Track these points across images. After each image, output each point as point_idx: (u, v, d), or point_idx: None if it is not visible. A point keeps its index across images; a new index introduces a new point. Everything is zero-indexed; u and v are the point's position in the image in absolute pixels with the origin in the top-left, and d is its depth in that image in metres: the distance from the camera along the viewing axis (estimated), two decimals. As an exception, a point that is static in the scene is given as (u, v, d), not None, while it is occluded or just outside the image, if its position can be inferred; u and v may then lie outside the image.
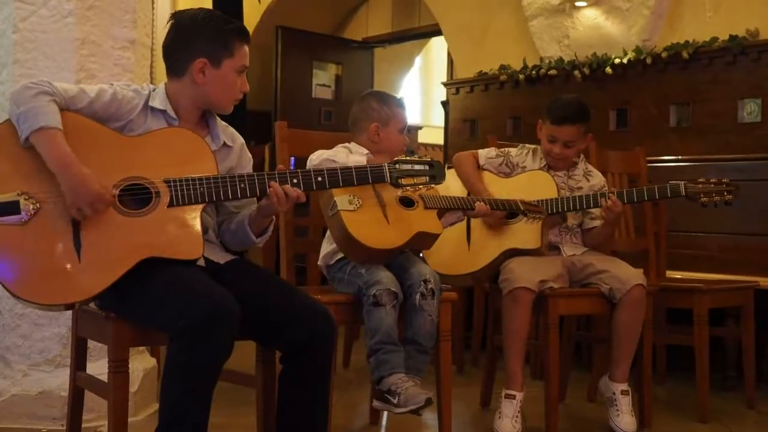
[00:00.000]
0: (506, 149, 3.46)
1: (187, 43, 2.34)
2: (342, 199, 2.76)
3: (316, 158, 2.78)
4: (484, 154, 3.43)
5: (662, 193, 3.18)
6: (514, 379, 3.12)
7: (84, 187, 2.11)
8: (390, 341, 2.63)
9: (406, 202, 2.87)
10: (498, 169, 3.41)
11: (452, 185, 3.36)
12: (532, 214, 3.08)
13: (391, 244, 2.77)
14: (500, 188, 3.35)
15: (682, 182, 3.15)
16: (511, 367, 3.13)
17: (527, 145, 3.48)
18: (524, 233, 3.17)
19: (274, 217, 2.42)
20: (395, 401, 2.57)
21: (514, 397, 3.11)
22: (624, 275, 3.17)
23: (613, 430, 3.15)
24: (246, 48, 2.39)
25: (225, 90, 2.37)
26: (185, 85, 2.36)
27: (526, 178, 3.36)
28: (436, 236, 2.86)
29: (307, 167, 2.74)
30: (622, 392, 3.17)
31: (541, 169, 3.38)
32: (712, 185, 3.13)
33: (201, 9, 2.45)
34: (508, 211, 3.11)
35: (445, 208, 2.97)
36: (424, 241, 2.88)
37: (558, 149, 3.34)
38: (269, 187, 2.26)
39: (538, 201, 3.19)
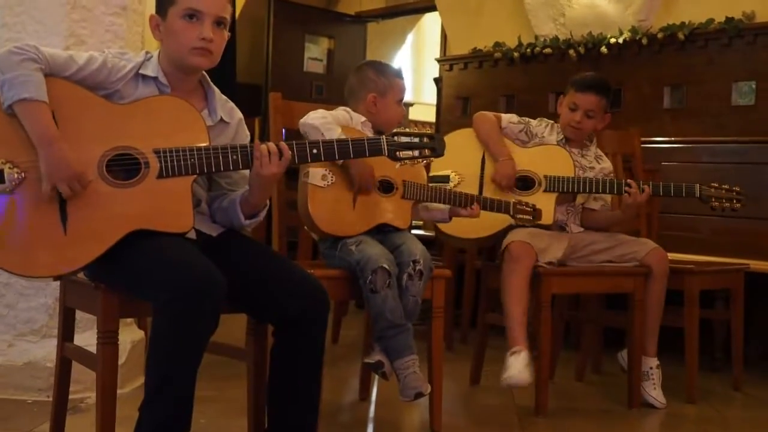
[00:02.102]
0: (526, 118, 3.44)
1: (155, 5, 2.29)
2: (316, 172, 2.73)
3: (315, 121, 2.71)
4: (507, 117, 3.41)
5: (678, 191, 3.25)
6: (518, 339, 3.06)
7: (61, 166, 2.05)
8: (393, 324, 2.64)
9: (386, 187, 2.83)
10: (516, 136, 3.39)
11: (466, 147, 3.33)
12: (521, 217, 3.00)
13: (344, 231, 2.75)
14: (519, 157, 3.33)
15: (697, 184, 3.23)
16: (513, 327, 3.08)
17: (545, 119, 3.47)
18: (540, 206, 3.10)
19: (267, 202, 2.36)
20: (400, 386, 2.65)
21: (520, 352, 3.04)
22: (647, 246, 3.31)
23: (652, 404, 3.27)
24: None
25: (174, 41, 2.24)
26: (161, 49, 2.30)
27: (544, 151, 3.34)
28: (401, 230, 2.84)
29: (303, 123, 2.72)
30: (657, 366, 3.32)
31: (558, 143, 3.37)
32: (724, 191, 3.24)
33: None
34: (500, 210, 3.03)
35: (425, 201, 2.91)
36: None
37: (579, 117, 3.34)
38: (256, 150, 2.19)
39: (560, 177, 3.24)
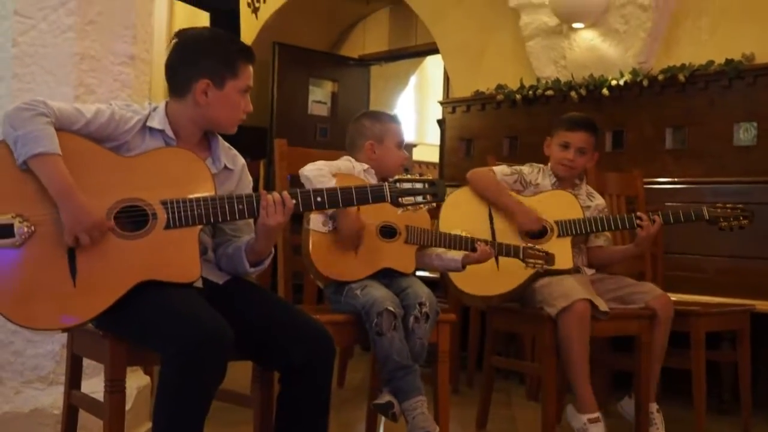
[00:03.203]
0: (518, 167, 3.45)
1: (191, 63, 2.30)
2: (317, 217, 2.76)
3: (309, 173, 2.75)
4: (499, 171, 3.40)
5: (687, 216, 3.27)
6: (590, 401, 3.08)
7: (83, 216, 2.08)
8: (401, 365, 2.65)
9: (388, 233, 2.85)
10: (512, 187, 3.38)
11: (470, 204, 3.33)
12: (533, 262, 2.96)
13: (347, 276, 2.76)
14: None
15: (705, 206, 3.26)
16: (584, 391, 3.08)
17: (534, 163, 3.48)
18: (557, 252, 3.08)
19: (273, 249, 2.38)
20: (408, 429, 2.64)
21: (598, 419, 3.07)
22: (654, 291, 3.31)
23: None
24: (250, 68, 2.34)
25: (228, 111, 2.33)
26: (187, 105, 2.31)
27: (549, 197, 3.35)
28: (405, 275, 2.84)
29: (301, 174, 2.76)
30: (658, 410, 3.32)
31: (554, 187, 3.39)
32: (729, 210, 3.27)
33: (205, 28, 2.44)
34: (510, 255, 2.99)
35: (429, 245, 2.91)
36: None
37: (571, 155, 3.36)
38: (263, 200, 2.22)
39: (572, 221, 3.25)
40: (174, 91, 2.34)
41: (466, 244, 2.91)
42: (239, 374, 2.40)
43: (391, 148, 2.96)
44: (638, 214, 3.28)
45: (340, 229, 2.76)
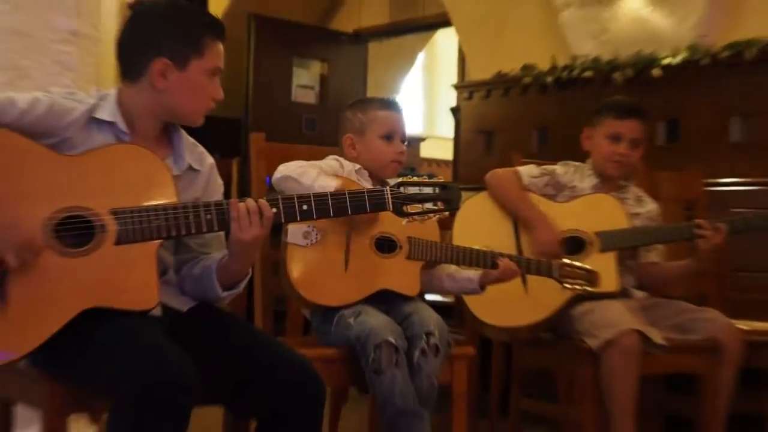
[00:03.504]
0: (549, 167, 3.46)
1: (147, 39, 2.32)
2: (296, 229, 2.75)
3: (289, 171, 2.76)
4: (526, 172, 3.40)
5: (758, 223, 3.32)
6: None
7: (9, 230, 2.06)
8: (404, 410, 2.63)
9: (386, 246, 2.85)
10: (542, 191, 3.39)
11: (490, 214, 3.34)
12: (571, 282, 2.94)
13: (336, 300, 2.76)
14: (557, 216, 3.33)
15: None
16: None
17: (570, 161, 3.49)
18: (601, 271, 3.06)
19: (249, 270, 2.39)
20: None
21: None
22: (719, 319, 3.29)
23: None
24: (219, 46, 2.35)
25: (192, 97, 2.33)
26: (142, 91, 2.32)
27: (586, 203, 3.36)
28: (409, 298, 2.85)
29: (274, 179, 2.77)
30: None
31: (595, 189, 3.40)
32: None
33: None
34: (541, 273, 2.98)
35: (437, 261, 2.91)
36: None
37: (623, 149, 3.37)
38: (233, 210, 2.21)
39: (616, 231, 3.26)
40: (127, 75, 2.35)
41: (486, 259, 2.90)
42: (207, 422, 2.40)
43: (373, 140, 2.94)
44: (698, 221, 3.27)
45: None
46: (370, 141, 2.94)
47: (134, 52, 2.33)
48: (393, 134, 2.96)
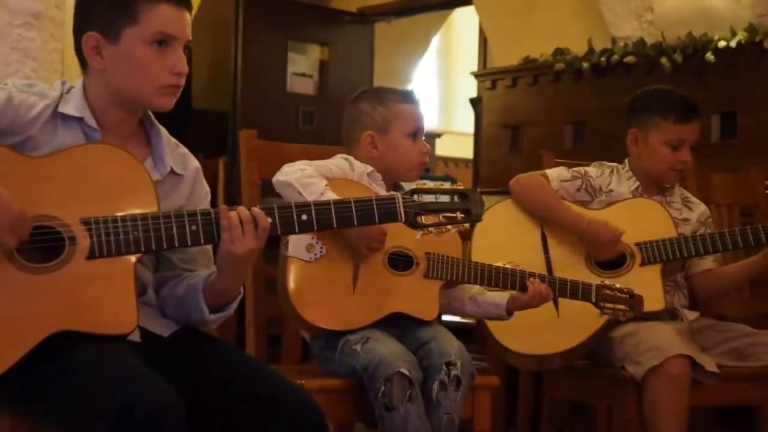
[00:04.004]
0: (582, 169, 3.48)
1: (79, 15, 2.34)
2: (298, 241, 2.76)
3: (290, 177, 2.76)
4: (555, 175, 3.42)
5: None
6: None
7: None
8: None
9: (401, 263, 2.87)
10: (574, 197, 3.42)
11: (515, 224, 3.36)
12: (611, 308, 2.94)
13: (342, 324, 2.77)
14: None
15: None
16: None
17: (605, 162, 3.51)
18: (642, 288, 3.07)
19: (241, 289, 2.40)
20: None
21: None
22: None
23: None
24: (162, 7, 2.28)
25: (133, 72, 2.29)
26: (90, 77, 2.34)
27: (626, 209, 3.39)
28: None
29: (275, 182, 2.77)
30: None
31: (636, 194, 3.42)
32: None
33: None
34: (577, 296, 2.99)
35: (459, 281, 2.93)
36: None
37: (686, 155, 3.39)
38: (224, 219, 2.21)
39: (661, 242, 3.28)
40: (79, 60, 2.36)
41: (514, 280, 2.92)
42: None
43: (400, 140, 2.97)
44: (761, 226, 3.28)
45: (350, 238, 2.78)
46: (396, 139, 2.97)
47: (74, 32, 2.33)
48: (418, 132, 2.99)
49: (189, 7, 2.36)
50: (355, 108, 3.02)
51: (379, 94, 3.05)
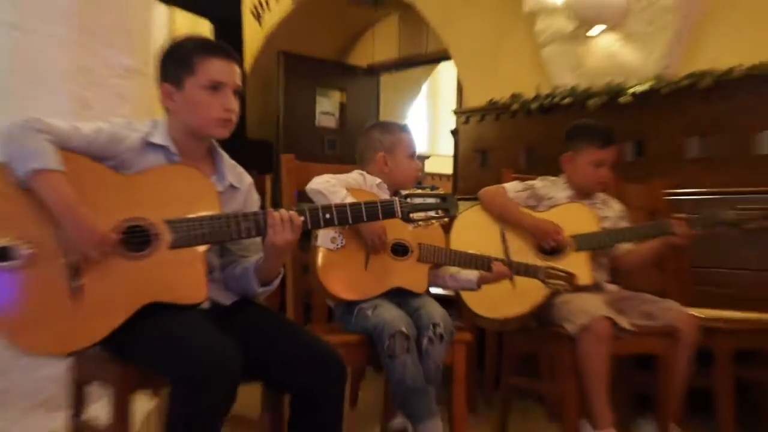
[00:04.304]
0: (530, 182, 3.47)
1: (158, 70, 2.35)
2: (325, 234, 2.78)
3: (320, 186, 2.76)
4: (510, 187, 3.42)
5: (710, 220, 3.27)
6: (606, 419, 3.11)
7: (89, 231, 2.08)
8: (415, 388, 2.65)
9: (400, 251, 2.87)
10: (525, 203, 3.40)
11: (481, 224, 3.34)
12: (552, 282, 2.98)
13: (357, 295, 2.78)
14: None
15: (730, 210, 3.25)
16: (600, 408, 3.10)
17: (547, 176, 3.51)
18: (576, 268, 3.11)
19: (282, 269, 2.40)
20: None
21: None
22: (677, 309, 3.30)
23: None
24: (214, 61, 2.30)
25: (196, 112, 2.30)
26: (170, 116, 2.34)
27: (562, 211, 3.37)
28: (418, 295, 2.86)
29: (308, 189, 2.77)
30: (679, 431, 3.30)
31: (570, 199, 3.42)
32: (756, 211, 3.23)
33: (180, 36, 2.43)
34: (528, 275, 3.01)
35: (443, 263, 2.92)
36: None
37: (606, 172, 3.40)
38: (269, 219, 2.21)
39: (590, 234, 3.27)
40: (161, 103, 2.37)
41: (482, 263, 2.93)
42: (248, 397, 2.41)
43: (403, 159, 2.99)
44: (672, 221, 3.27)
45: (364, 233, 2.79)
46: (400, 159, 2.98)
47: (157, 82, 2.35)
48: (414, 154, 3.02)
49: (237, 61, 2.35)
50: (368, 136, 3.02)
51: (386, 126, 3.06)
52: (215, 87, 2.29)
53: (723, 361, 3.37)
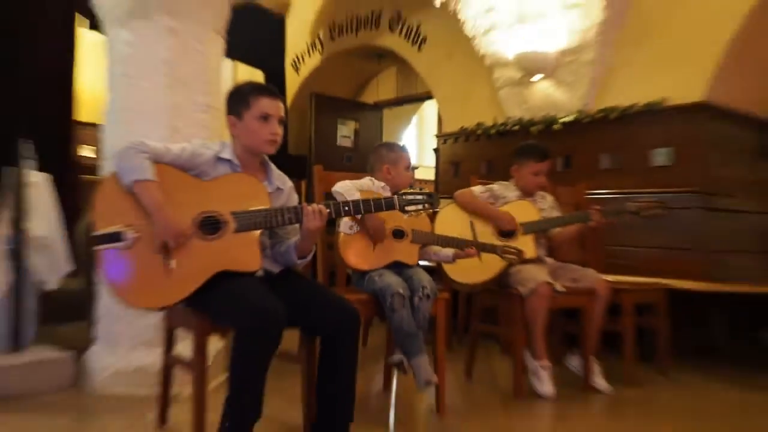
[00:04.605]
0: (489, 186, 3.44)
1: (226, 105, 2.34)
2: (345, 223, 2.76)
3: (341, 189, 2.74)
4: (477, 190, 3.38)
5: (618, 210, 3.21)
6: (543, 353, 3.11)
7: (169, 227, 2.10)
8: (409, 333, 2.64)
9: (399, 234, 2.84)
10: (487, 201, 3.36)
11: (456, 217, 3.29)
12: (507, 256, 2.95)
13: (367, 266, 2.76)
14: None
15: (630, 202, 3.20)
16: (540, 345, 3.11)
17: (502, 181, 3.48)
18: (524, 246, 3.09)
19: (314, 247, 2.37)
20: (415, 378, 2.64)
21: (547, 366, 3.10)
22: (595, 275, 3.29)
23: (599, 388, 3.23)
24: (263, 99, 2.27)
25: (251, 135, 2.28)
26: (234, 138, 2.33)
27: (514, 207, 3.32)
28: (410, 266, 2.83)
29: (333, 190, 2.75)
30: (596, 362, 3.30)
31: (517, 198, 3.37)
32: (649, 203, 3.18)
33: (243, 81, 2.42)
34: (490, 252, 2.97)
35: (430, 244, 2.90)
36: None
37: (543, 180, 3.35)
38: (305, 210, 2.21)
39: (532, 221, 3.24)
40: (229, 130, 2.36)
41: (458, 244, 2.91)
42: (290, 339, 2.41)
43: (402, 171, 2.96)
44: (590, 211, 3.22)
45: (369, 226, 2.76)
46: (400, 170, 2.95)
47: (226, 114, 2.34)
48: (409, 167, 2.99)
49: (280, 99, 2.33)
50: (377, 152, 3.00)
51: (391, 146, 3.02)
52: (265, 118, 2.28)
53: (627, 313, 3.38)
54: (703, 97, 4.21)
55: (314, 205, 2.23)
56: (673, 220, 3.97)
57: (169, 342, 2.50)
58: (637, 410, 3.01)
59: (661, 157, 4.40)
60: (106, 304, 3.08)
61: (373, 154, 3.01)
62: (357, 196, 2.68)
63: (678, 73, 4.36)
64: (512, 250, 2.96)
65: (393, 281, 2.68)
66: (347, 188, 2.73)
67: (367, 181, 2.88)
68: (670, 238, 4.11)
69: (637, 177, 4.48)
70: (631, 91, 4.61)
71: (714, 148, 4.30)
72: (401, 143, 3.09)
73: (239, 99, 2.30)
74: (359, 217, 2.72)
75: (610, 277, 3.48)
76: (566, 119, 4.87)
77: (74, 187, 4.34)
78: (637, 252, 4.21)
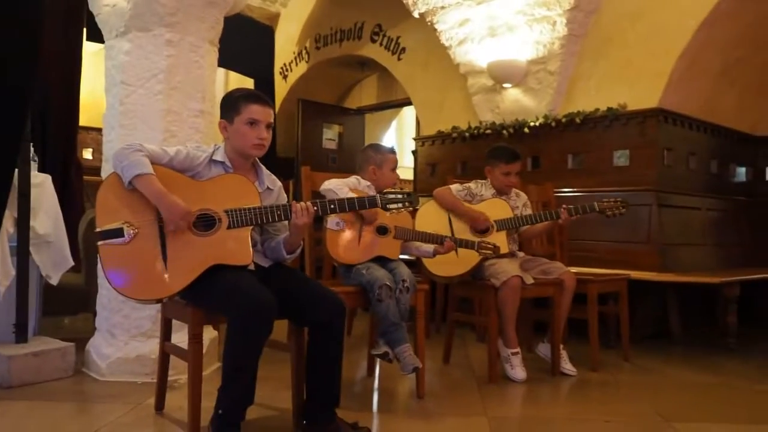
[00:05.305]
0: (467, 184, 3.41)
1: (220, 111, 2.31)
2: (332, 220, 2.74)
3: (331, 186, 2.71)
4: (454, 188, 3.35)
5: (584, 209, 3.17)
6: (514, 340, 3.11)
7: (176, 208, 2.07)
8: (393, 323, 2.62)
9: (382, 230, 2.82)
10: (464, 199, 3.33)
11: (435, 213, 3.26)
12: (483, 251, 2.93)
13: (352, 260, 2.74)
14: None
15: (596, 202, 3.16)
16: (511, 333, 3.10)
17: (478, 180, 3.45)
18: (498, 242, 3.07)
19: (302, 242, 2.35)
20: (401, 365, 2.62)
21: (518, 353, 3.11)
22: (562, 267, 3.29)
23: (567, 373, 3.24)
24: (253, 106, 2.23)
25: (240, 139, 2.25)
26: (226, 142, 2.31)
27: (489, 205, 3.30)
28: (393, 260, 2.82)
29: (323, 188, 2.73)
30: (564, 348, 3.30)
31: (493, 196, 3.36)
32: (612, 202, 3.15)
33: (235, 89, 2.39)
34: (469, 248, 2.95)
35: (411, 240, 2.89)
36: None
37: (513, 180, 3.33)
38: (293, 207, 2.19)
39: (505, 219, 3.22)
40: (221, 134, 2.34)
41: (437, 239, 2.89)
42: (280, 329, 2.39)
43: (387, 172, 2.92)
44: (561, 210, 3.19)
45: (365, 216, 2.76)
46: (385, 171, 2.91)
47: (219, 119, 2.31)
48: (394, 168, 2.95)
49: (269, 105, 2.30)
50: (365, 153, 2.96)
51: (377, 148, 2.99)
52: (253, 123, 2.25)
53: (592, 301, 3.37)
54: (658, 104, 4.25)
55: (302, 203, 2.21)
56: (631, 216, 4.00)
57: (166, 332, 2.47)
58: (602, 391, 3.03)
59: (620, 158, 4.43)
60: (105, 297, 3.03)
61: (361, 155, 2.98)
62: (347, 192, 2.66)
63: (635, 82, 4.39)
64: (487, 245, 2.95)
65: (380, 274, 2.66)
66: (338, 186, 2.70)
67: (353, 180, 2.85)
68: (628, 232, 4.14)
69: (600, 176, 4.50)
70: (593, 97, 4.64)
71: (667, 150, 4.34)
72: (390, 146, 3.07)
73: (231, 105, 2.27)
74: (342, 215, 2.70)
75: (575, 269, 3.49)
76: (535, 123, 4.87)
77: (78, 188, 4.28)
78: (598, 245, 4.23)
